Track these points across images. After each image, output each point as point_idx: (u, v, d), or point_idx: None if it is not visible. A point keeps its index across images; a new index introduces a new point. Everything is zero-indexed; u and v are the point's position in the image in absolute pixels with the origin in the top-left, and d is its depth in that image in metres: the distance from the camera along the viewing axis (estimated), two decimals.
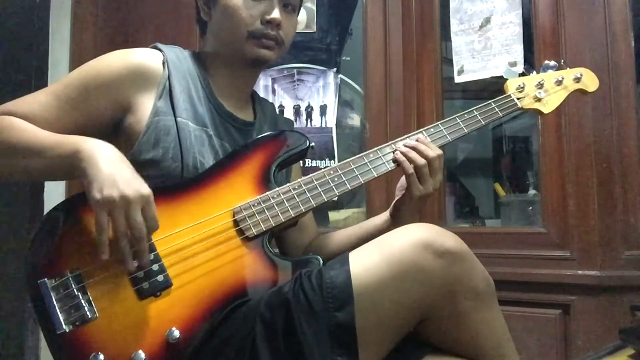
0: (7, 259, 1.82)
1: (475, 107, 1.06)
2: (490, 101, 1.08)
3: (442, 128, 1.04)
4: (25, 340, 1.83)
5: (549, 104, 1.09)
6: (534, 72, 1.13)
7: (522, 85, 1.09)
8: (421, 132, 1.04)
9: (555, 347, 1.47)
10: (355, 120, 2.05)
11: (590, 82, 1.12)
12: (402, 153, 0.99)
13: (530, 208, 1.78)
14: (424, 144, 1.00)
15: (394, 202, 1.06)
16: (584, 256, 1.48)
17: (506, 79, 1.12)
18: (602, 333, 1.42)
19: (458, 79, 1.78)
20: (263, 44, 1.00)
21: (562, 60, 1.15)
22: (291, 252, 1.13)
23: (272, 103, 1.22)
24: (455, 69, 1.78)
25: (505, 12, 1.70)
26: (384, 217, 1.10)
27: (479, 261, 0.82)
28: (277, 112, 1.22)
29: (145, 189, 0.81)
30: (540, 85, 1.10)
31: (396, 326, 0.80)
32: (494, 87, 1.87)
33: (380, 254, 0.79)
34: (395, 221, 1.05)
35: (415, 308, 0.79)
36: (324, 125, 1.94)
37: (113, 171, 0.79)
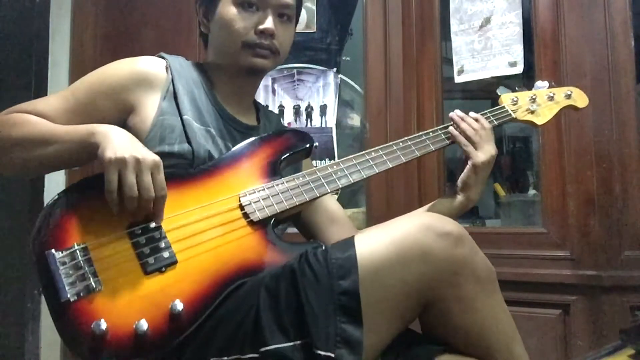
0: (7, 258, 1.82)
1: (470, 114, 1.11)
2: (485, 111, 1.13)
3: (440, 132, 1.09)
4: (25, 340, 1.84)
5: (542, 116, 1.16)
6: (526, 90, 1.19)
7: (515, 100, 1.16)
8: (422, 135, 1.08)
9: (555, 347, 1.47)
10: (355, 120, 2.05)
11: (580, 99, 1.19)
12: (455, 125, 1.09)
13: (530, 208, 1.78)
14: (472, 118, 1.10)
15: (459, 180, 1.09)
16: (584, 256, 1.48)
17: (499, 95, 1.18)
18: (602, 333, 1.42)
19: (458, 79, 1.78)
20: (257, 53, 1.04)
21: (552, 82, 1.20)
22: None
23: (277, 114, 1.27)
24: (455, 69, 1.78)
25: (505, 12, 1.70)
26: (450, 196, 1.11)
27: (479, 249, 0.83)
28: (282, 122, 1.26)
29: (155, 156, 0.86)
30: (532, 100, 1.16)
31: (400, 307, 0.80)
32: (493, 87, 1.87)
33: (384, 234, 0.81)
34: (467, 194, 1.09)
35: (419, 289, 0.80)
36: (324, 125, 1.95)
37: (126, 140, 0.86)
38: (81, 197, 0.89)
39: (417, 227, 0.80)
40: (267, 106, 1.24)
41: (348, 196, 2.01)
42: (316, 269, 0.79)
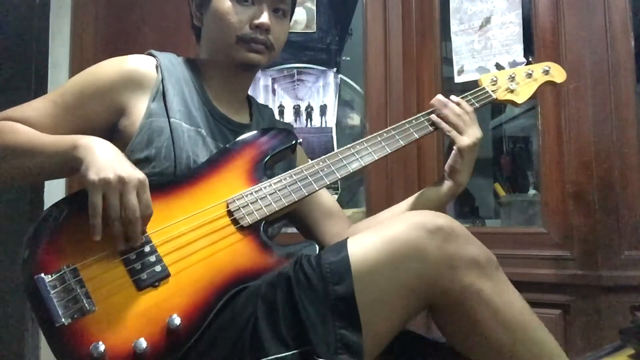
0: (7, 259, 1.82)
1: (451, 98, 1.10)
2: (466, 94, 1.12)
3: (423, 120, 1.08)
4: (25, 340, 1.84)
5: (521, 94, 1.15)
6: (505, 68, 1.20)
7: (494, 79, 1.15)
8: (405, 123, 1.08)
9: None
10: (355, 120, 2.05)
11: (558, 74, 1.18)
12: (437, 114, 1.07)
13: (530, 208, 1.78)
14: (454, 102, 1.08)
15: (446, 165, 1.08)
16: (584, 256, 1.48)
17: (480, 76, 1.18)
18: (602, 333, 1.42)
19: (458, 79, 1.78)
20: (252, 48, 1.02)
21: (530, 58, 1.21)
22: (330, 241, 1.13)
23: (270, 108, 1.23)
24: (455, 69, 1.78)
25: (505, 12, 1.70)
26: (439, 183, 1.10)
27: (475, 238, 0.83)
28: (276, 117, 1.23)
29: (140, 173, 0.84)
30: (511, 79, 1.15)
31: (397, 306, 0.80)
32: None
33: (376, 235, 0.81)
34: (455, 179, 1.07)
35: (416, 287, 0.79)
36: (324, 125, 1.94)
37: (110, 158, 0.83)
38: (66, 217, 0.86)
39: (408, 225, 0.80)
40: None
41: (348, 196, 2.01)
42: (310, 276, 0.78)
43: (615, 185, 1.47)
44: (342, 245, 0.81)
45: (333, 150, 1.95)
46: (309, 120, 1.96)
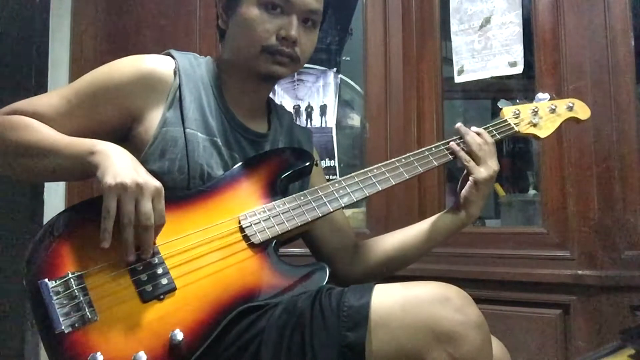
0: (7, 259, 1.82)
1: (472, 128, 1.09)
2: (487, 125, 1.12)
3: (443, 148, 1.08)
4: (25, 340, 1.84)
5: (544, 129, 1.15)
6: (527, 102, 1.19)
7: (517, 112, 1.14)
8: (424, 150, 1.07)
9: (555, 347, 1.47)
10: (355, 120, 2.05)
11: (582, 111, 1.18)
12: (459, 137, 1.07)
13: (530, 208, 1.78)
14: (474, 132, 1.07)
15: (461, 196, 1.07)
16: (584, 256, 1.48)
17: (501, 108, 1.16)
18: (602, 333, 1.42)
19: (458, 79, 1.77)
20: (277, 60, 0.98)
21: (553, 94, 1.20)
22: (335, 257, 1.13)
23: (289, 112, 1.21)
24: (455, 69, 1.78)
25: (505, 12, 1.70)
26: (452, 212, 1.09)
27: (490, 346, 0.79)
28: (294, 122, 1.21)
29: (157, 182, 0.83)
30: (534, 112, 1.14)
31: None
32: (494, 87, 1.87)
33: (402, 292, 0.79)
34: (468, 210, 1.07)
35: (415, 352, 0.77)
36: (324, 125, 1.94)
37: (127, 164, 0.82)
38: (75, 223, 0.85)
39: (434, 296, 0.77)
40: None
41: None
42: (326, 314, 0.77)
43: (615, 185, 1.47)
44: (368, 290, 0.79)
45: (333, 150, 1.97)
46: (309, 120, 1.96)
